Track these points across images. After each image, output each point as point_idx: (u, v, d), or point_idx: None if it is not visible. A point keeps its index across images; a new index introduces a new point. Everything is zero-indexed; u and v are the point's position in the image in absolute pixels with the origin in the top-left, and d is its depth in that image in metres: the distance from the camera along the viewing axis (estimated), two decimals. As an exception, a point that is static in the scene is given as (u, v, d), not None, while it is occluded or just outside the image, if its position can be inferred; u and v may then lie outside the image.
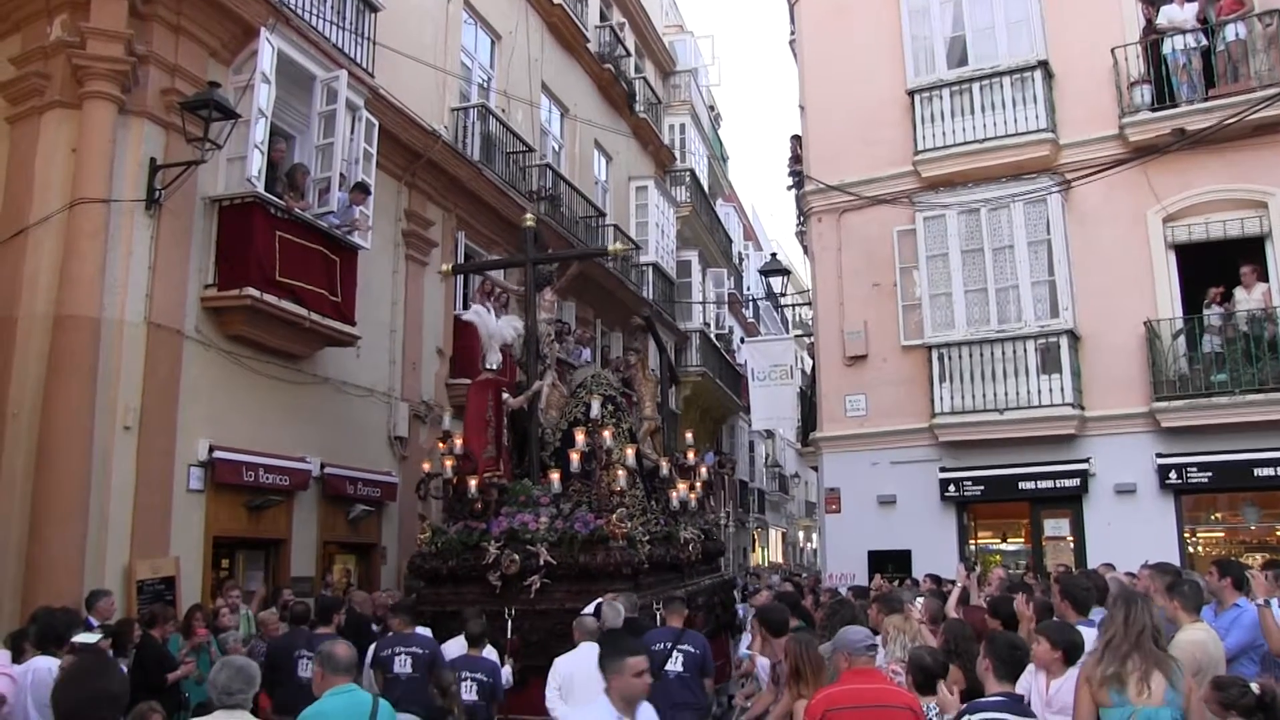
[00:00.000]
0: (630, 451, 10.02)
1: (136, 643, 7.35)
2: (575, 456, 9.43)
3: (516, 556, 8.63)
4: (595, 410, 10.06)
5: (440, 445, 10.02)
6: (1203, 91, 12.69)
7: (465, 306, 14.70)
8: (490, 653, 7.53)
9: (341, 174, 11.30)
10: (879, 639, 6.52)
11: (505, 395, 10.28)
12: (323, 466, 11.47)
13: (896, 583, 11.00)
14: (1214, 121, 12.17)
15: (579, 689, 6.40)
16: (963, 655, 5.64)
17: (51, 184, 9.07)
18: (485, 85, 16.48)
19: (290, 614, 8.39)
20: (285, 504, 11.03)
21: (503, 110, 16.15)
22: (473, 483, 9.36)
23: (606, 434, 9.68)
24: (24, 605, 7.97)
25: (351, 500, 12.03)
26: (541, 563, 8.62)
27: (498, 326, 10.76)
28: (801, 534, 43.93)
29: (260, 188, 10.03)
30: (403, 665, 7.22)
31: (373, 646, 7.51)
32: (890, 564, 13.26)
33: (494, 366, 10.58)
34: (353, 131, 11.55)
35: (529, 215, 11.55)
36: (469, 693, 6.90)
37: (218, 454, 9.92)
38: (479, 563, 8.79)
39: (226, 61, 10.45)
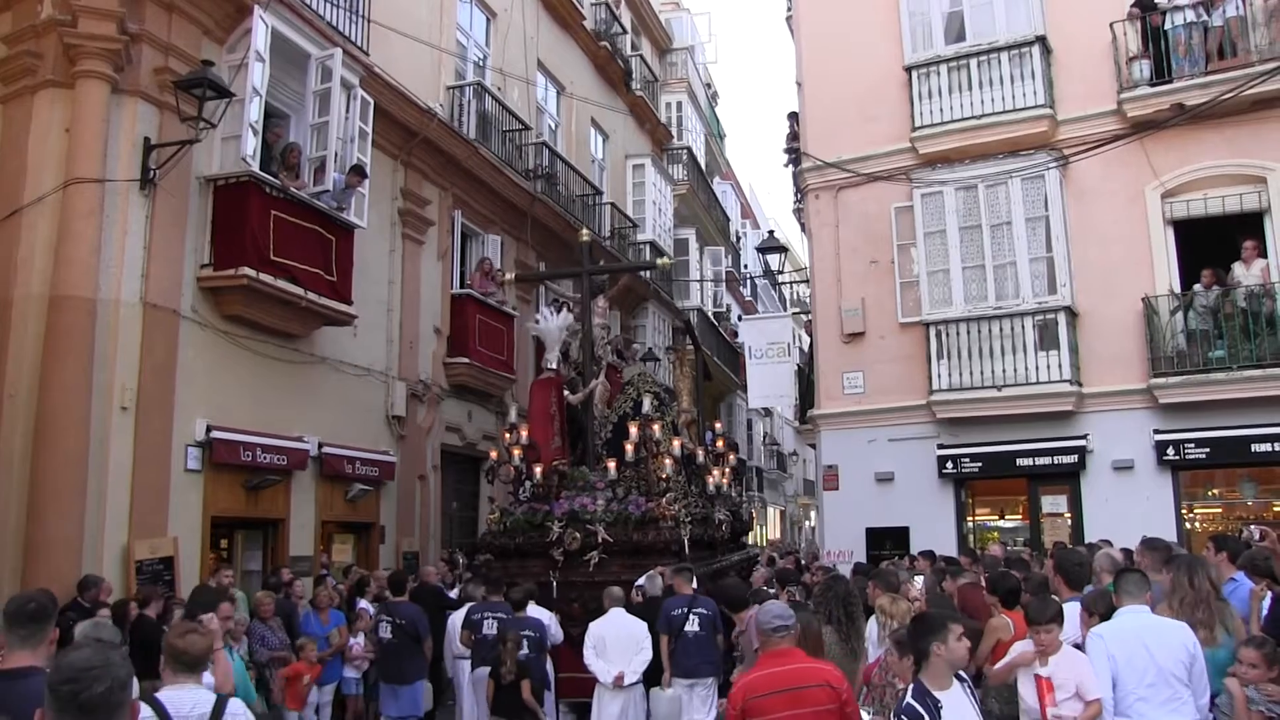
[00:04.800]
0: (677, 443, 11.04)
1: (132, 622, 7.39)
2: (629, 447, 10.42)
3: (578, 534, 9.58)
4: (647, 406, 10.90)
5: (506, 435, 10.92)
6: (1202, 66, 12.62)
7: (463, 286, 14.73)
8: (535, 611, 8.63)
9: (336, 152, 11.24)
10: (873, 619, 6.54)
11: (566, 392, 11.46)
12: (320, 446, 11.49)
13: (896, 559, 11.04)
14: (1212, 96, 12.09)
15: (610, 646, 8.09)
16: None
17: (45, 164, 9.02)
18: (481, 63, 16.38)
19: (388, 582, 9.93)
20: (283, 483, 11.05)
21: (499, 88, 16.07)
22: (538, 469, 10.42)
23: (656, 427, 10.60)
24: (23, 586, 7.97)
25: (350, 479, 12.05)
26: (600, 540, 9.63)
27: (558, 330, 11.83)
28: (800, 512, 44.03)
29: (255, 167, 9.99)
30: (490, 628, 8.43)
31: (464, 611, 9.06)
32: (889, 541, 13.35)
33: (554, 366, 11.66)
34: (348, 110, 11.48)
35: (585, 231, 12.69)
36: (521, 647, 7.96)
37: (215, 434, 9.93)
38: (543, 540, 9.78)
39: (220, 40, 10.38)
